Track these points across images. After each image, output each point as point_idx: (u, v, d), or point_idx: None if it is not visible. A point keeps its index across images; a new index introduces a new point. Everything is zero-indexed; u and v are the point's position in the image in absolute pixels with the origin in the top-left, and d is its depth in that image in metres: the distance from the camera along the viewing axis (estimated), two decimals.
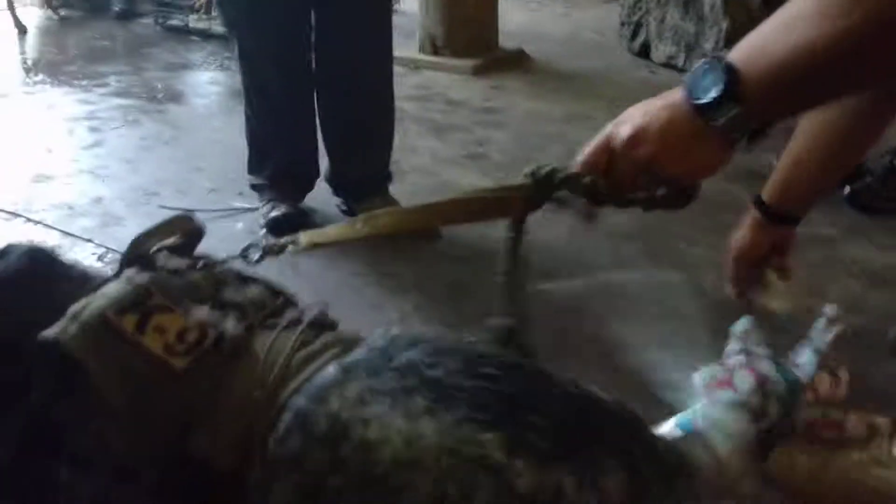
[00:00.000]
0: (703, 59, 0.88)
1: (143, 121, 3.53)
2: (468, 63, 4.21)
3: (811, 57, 0.78)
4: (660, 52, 4.25)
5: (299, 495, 0.75)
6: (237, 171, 2.94)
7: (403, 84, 4.01)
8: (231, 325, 0.89)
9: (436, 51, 4.32)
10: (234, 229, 2.54)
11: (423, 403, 0.73)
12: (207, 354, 0.85)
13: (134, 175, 2.95)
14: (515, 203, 0.94)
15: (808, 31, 0.77)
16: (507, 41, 4.58)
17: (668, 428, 1.33)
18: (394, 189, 2.78)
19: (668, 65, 4.20)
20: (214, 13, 4.80)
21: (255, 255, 1.08)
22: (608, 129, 0.93)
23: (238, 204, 2.71)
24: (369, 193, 2.49)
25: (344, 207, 2.59)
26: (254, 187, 2.61)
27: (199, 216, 2.43)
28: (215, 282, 0.97)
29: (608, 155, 0.92)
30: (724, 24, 3.85)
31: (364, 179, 2.55)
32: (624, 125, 0.90)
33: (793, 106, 0.89)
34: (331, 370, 0.80)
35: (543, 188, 0.94)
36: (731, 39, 3.86)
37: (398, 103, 3.69)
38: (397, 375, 0.76)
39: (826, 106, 1.09)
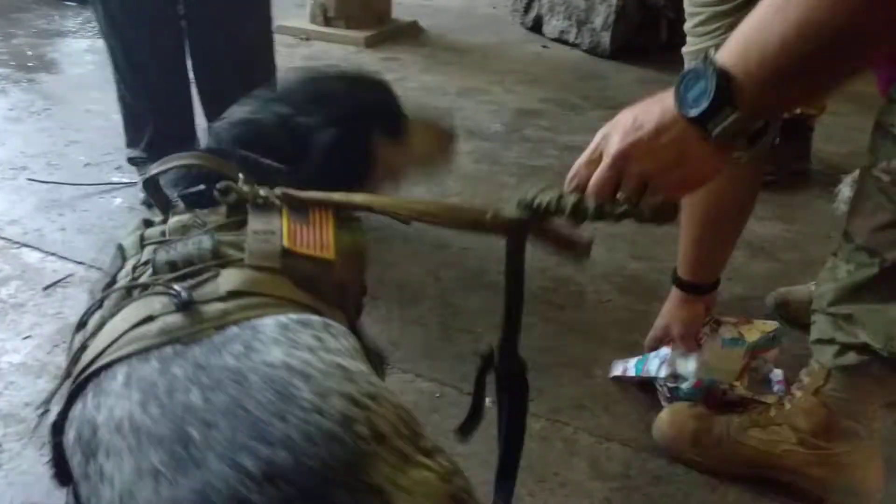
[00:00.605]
0: (692, 64, 0.82)
1: (10, 90, 3.29)
2: (360, 34, 4.12)
3: (813, 37, 0.74)
4: (552, 26, 4.28)
5: None
6: (115, 144, 2.78)
7: (293, 55, 3.89)
8: None
9: (327, 21, 4.21)
10: (111, 205, 2.41)
11: None
12: None
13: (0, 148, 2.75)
14: (507, 232, 0.94)
15: (801, 11, 0.74)
16: (401, 13, 4.51)
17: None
18: None
19: (561, 39, 4.23)
20: None
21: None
22: (598, 138, 0.89)
23: (116, 178, 2.56)
24: None
25: None
26: (132, 161, 2.47)
27: (72, 191, 2.28)
28: None
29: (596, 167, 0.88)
30: (614, 0, 3.90)
31: None
32: (613, 137, 0.86)
33: (797, 94, 0.84)
34: None
35: (535, 217, 0.92)
36: (621, 15, 3.93)
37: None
38: None
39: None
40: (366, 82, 1.21)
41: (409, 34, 4.35)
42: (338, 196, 0.96)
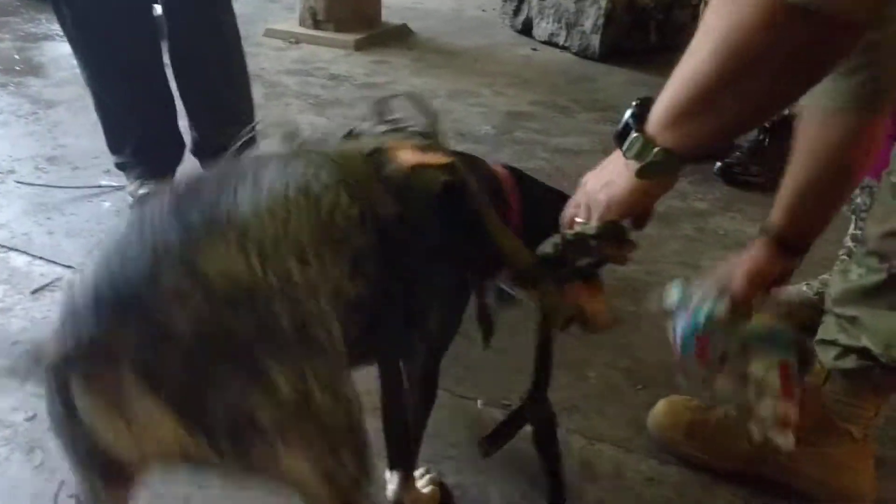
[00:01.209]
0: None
1: None
2: (350, 37, 4.12)
3: (701, 80, 0.85)
4: (541, 29, 4.29)
5: None
6: (103, 148, 2.75)
7: (283, 58, 3.89)
8: None
9: (317, 24, 4.20)
10: (101, 209, 2.39)
11: None
12: None
13: None
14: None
15: (692, 58, 0.86)
16: (390, 17, 4.51)
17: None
18: None
19: (550, 42, 4.24)
20: None
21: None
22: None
23: (105, 182, 2.55)
24: None
25: None
26: (119, 166, 2.44)
27: (60, 195, 2.27)
28: None
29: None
30: (603, 2, 3.91)
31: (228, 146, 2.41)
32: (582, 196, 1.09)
33: (705, 135, 0.92)
34: None
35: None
36: (610, 18, 3.94)
37: (278, 77, 3.59)
38: None
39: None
40: None
41: (399, 37, 4.35)
42: None
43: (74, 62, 3.67)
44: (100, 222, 2.31)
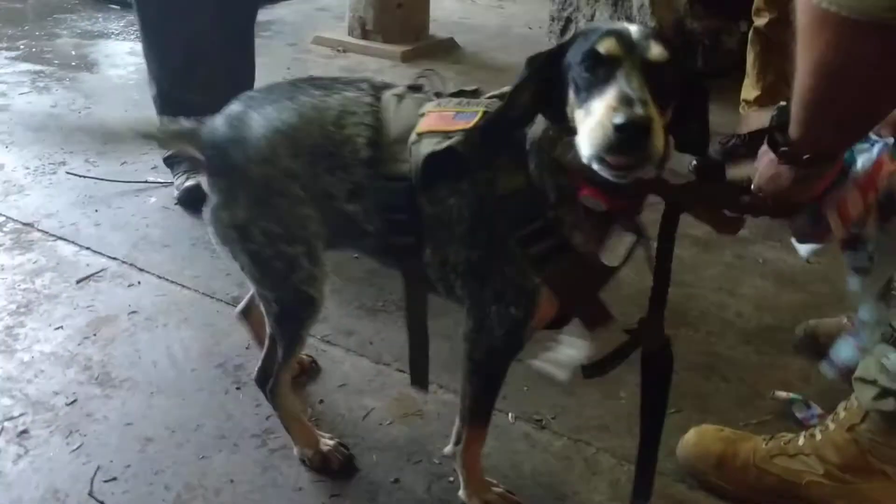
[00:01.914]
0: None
1: (53, 88, 3.36)
2: (397, 49, 4.16)
3: (806, 95, 0.93)
4: None
5: None
6: (152, 144, 2.83)
7: (331, 66, 3.94)
8: None
9: (365, 34, 4.26)
10: (146, 203, 2.44)
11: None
12: None
13: (40, 143, 2.80)
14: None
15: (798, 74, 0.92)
16: (438, 30, 4.55)
17: None
18: None
19: None
20: None
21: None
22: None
23: (152, 178, 2.60)
24: None
25: None
26: (167, 161, 2.50)
27: (108, 188, 2.32)
28: None
29: None
30: (652, 24, 3.91)
31: None
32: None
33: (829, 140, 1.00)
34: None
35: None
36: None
37: None
38: None
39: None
40: None
41: (445, 50, 4.39)
42: None
43: (128, 60, 3.76)
44: (145, 216, 2.36)
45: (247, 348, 1.80)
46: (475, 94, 1.27)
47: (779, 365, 1.87)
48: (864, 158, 1.18)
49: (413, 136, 1.19)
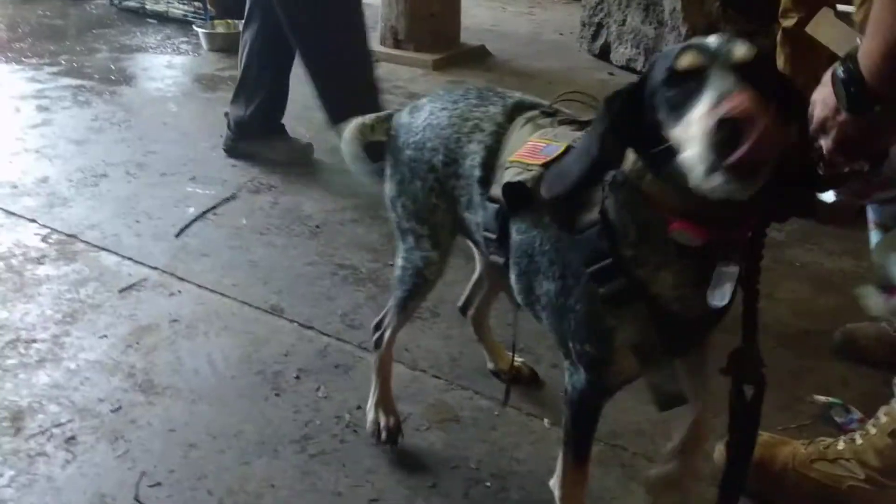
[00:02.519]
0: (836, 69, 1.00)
1: (93, 102, 3.44)
2: (429, 57, 4.19)
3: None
4: (619, 54, 4.28)
5: None
6: (189, 156, 2.89)
7: None
8: None
9: (397, 44, 4.29)
10: (185, 213, 2.49)
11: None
12: None
13: (82, 156, 2.87)
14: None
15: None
16: (469, 38, 4.57)
17: None
18: (350, 179, 2.75)
19: (627, 67, 4.23)
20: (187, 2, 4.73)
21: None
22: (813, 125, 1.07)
23: (190, 188, 2.65)
24: None
25: None
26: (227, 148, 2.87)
27: (149, 199, 2.37)
28: None
29: None
30: (683, 29, 3.89)
31: None
32: (814, 119, 1.05)
33: None
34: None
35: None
36: None
37: None
38: None
39: None
40: None
41: (477, 58, 4.41)
42: None
43: (166, 73, 3.83)
44: (183, 224, 2.41)
45: (285, 355, 1.83)
46: (587, 123, 1.19)
47: (818, 369, 1.86)
48: None
49: (506, 163, 1.24)
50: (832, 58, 1.06)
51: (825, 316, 2.09)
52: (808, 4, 2.66)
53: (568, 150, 1.13)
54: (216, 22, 4.42)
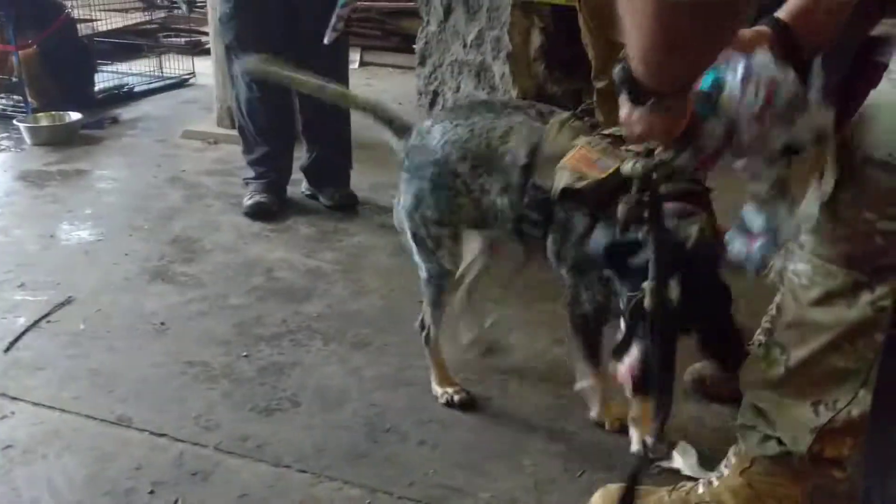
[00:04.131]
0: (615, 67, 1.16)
1: None
2: None
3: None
4: None
5: None
6: (17, 260, 2.70)
7: (203, 159, 3.88)
8: None
9: (234, 124, 4.22)
10: (14, 325, 2.30)
11: None
12: None
13: None
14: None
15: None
16: None
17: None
18: (196, 269, 2.67)
19: None
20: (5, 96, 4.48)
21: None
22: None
23: (19, 296, 2.46)
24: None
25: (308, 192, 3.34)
26: (246, 180, 3.30)
27: None
28: None
29: None
30: (514, 92, 4.06)
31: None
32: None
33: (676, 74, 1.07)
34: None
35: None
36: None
37: (198, 178, 3.58)
38: None
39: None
40: None
41: None
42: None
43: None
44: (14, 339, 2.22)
45: (136, 469, 1.71)
46: (621, 139, 1.50)
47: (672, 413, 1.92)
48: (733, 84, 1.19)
49: (561, 163, 1.56)
50: None
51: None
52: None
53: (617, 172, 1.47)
54: (39, 115, 4.20)
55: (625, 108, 1.18)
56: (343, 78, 3.21)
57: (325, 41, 2.91)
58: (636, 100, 1.14)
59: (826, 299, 1.23)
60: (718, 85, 1.19)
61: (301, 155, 3.35)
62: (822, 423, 1.27)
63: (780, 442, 1.32)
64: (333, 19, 2.89)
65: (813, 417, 1.28)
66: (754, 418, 1.36)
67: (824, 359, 1.25)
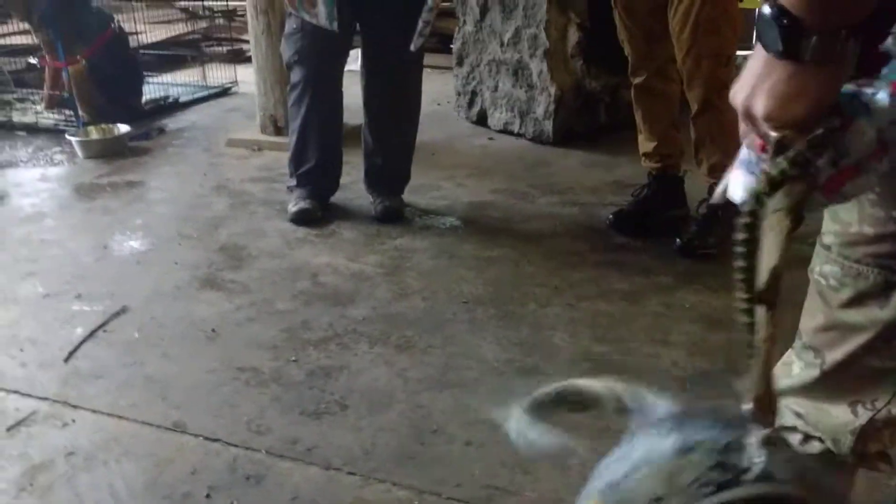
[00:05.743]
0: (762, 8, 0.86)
1: None
2: None
3: None
4: (496, 119, 4.42)
5: None
6: (73, 272, 2.79)
7: (247, 166, 3.96)
8: None
9: (277, 131, 4.30)
10: (73, 335, 2.38)
11: None
12: None
13: None
14: None
15: None
16: (349, 118, 4.61)
17: None
18: (244, 275, 2.74)
19: (505, 131, 4.36)
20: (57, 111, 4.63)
21: None
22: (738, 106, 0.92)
23: (76, 307, 2.55)
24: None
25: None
26: (289, 188, 3.37)
27: (32, 324, 2.25)
28: None
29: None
30: (552, 90, 4.06)
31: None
32: (738, 94, 0.91)
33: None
34: None
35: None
36: (560, 103, 4.09)
37: (243, 186, 3.66)
38: None
39: None
40: None
41: (358, 136, 4.45)
42: None
43: (39, 186, 3.71)
44: (73, 349, 2.31)
45: (192, 474, 1.77)
46: None
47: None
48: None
49: None
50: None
51: (719, 353, 2.18)
52: (654, 60, 2.83)
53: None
54: (90, 128, 4.33)
55: (757, 66, 0.88)
56: (416, 86, 3.30)
57: (412, 48, 2.88)
58: (788, 43, 0.85)
59: (857, 300, 1.22)
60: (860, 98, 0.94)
61: (352, 158, 3.46)
62: (863, 423, 1.26)
63: (821, 440, 1.31)
64: (420, 25, 2.83)
65: (852, 419, 1.27)
66: (794, 419, 1.36)
67: (860, 360, 1.24)
